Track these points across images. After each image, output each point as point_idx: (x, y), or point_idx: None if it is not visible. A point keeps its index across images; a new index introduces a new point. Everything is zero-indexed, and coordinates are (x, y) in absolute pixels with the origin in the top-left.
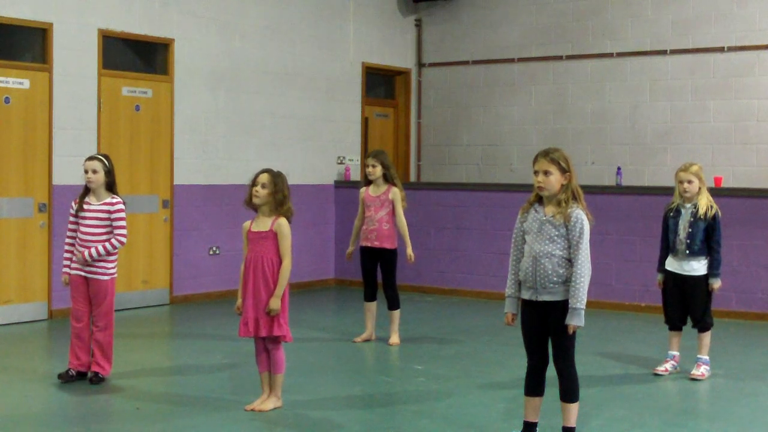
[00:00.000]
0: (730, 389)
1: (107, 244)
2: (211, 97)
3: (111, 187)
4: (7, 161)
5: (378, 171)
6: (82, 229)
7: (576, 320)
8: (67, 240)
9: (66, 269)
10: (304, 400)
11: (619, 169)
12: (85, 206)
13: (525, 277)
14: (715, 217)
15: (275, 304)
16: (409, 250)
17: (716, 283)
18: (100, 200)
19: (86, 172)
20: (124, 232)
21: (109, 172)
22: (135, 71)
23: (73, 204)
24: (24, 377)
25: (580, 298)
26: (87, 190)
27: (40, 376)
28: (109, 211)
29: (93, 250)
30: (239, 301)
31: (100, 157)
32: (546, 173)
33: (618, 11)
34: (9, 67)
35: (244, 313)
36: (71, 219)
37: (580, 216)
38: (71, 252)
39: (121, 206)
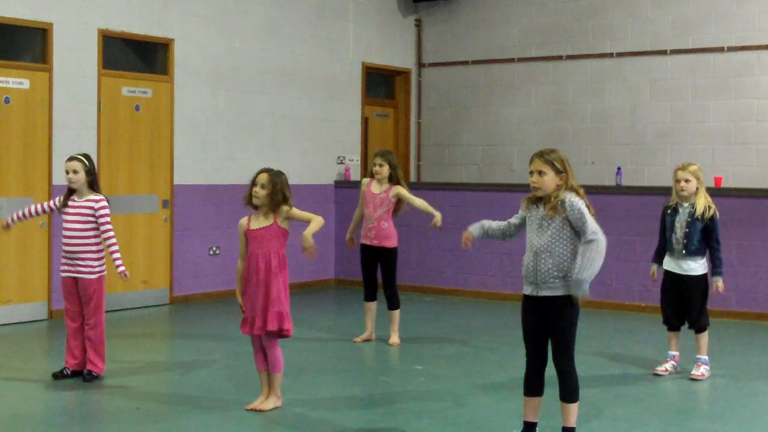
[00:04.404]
0: (730, 389)
1: (115, 254)
2: (211, 97)
3: (93, 185)
4: (7, 161)
5: (385, 170)
6: (66, 225)
7: (578, 291)
8: None
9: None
10: (304, 400)
11: (619, 169)
12: (70, 202)
13: (526, 272)
14: (712, 218)
15: (310, 238)
16: (437, 218)
17: (719, 281)
18: (83, 198)
19: (67, 172)
20: (111, 231)
21: (90, 172)
22: (135, 71)
23: (58, 199)
24: (24, 377)
25: (585, 268)
26: (71, 190)
27: (40, 376)
28: (93, 208)
29: (122, 267)
30: (240, 300)
31: (80, 157)
32: (540, 173)
33: (618, 11)
34: (9, 67)
35: (247, 310)
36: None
37: (573, 199)
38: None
39: (105, 203)
